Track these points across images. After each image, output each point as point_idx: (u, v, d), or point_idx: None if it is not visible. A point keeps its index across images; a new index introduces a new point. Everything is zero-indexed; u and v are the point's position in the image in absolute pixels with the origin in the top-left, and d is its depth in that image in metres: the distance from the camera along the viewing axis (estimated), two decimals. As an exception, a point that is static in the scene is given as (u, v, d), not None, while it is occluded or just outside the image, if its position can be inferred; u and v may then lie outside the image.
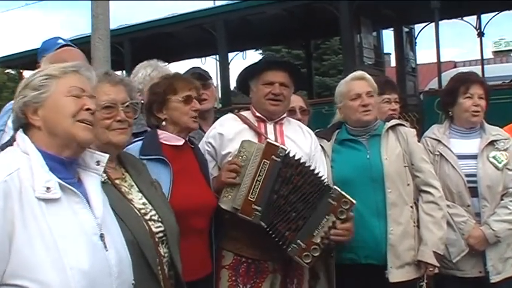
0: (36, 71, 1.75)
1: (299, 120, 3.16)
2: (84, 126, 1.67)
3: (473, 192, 3.03)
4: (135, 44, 8.40)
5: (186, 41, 8.68)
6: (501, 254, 3.03)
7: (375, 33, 8.02)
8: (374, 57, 7.69)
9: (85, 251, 1.57)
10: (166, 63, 3.97)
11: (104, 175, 1.94)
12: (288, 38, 10.22)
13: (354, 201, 2.54)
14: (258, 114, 2.80)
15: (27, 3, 24.72)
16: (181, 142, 2.52)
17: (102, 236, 1.64)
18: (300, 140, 2.81)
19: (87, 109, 1.68)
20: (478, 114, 3.14)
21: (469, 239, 3.00)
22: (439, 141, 3.15)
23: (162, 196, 2.23)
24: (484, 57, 8.95)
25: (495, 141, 3.12)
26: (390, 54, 12.09)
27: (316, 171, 2.62)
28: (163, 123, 2.52)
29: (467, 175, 3.04)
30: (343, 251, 2.78)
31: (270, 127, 2.79)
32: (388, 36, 8.59)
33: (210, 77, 3.66)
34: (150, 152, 2.41)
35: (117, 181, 2.07)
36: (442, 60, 7.12)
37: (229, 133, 2.73)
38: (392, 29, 8.34)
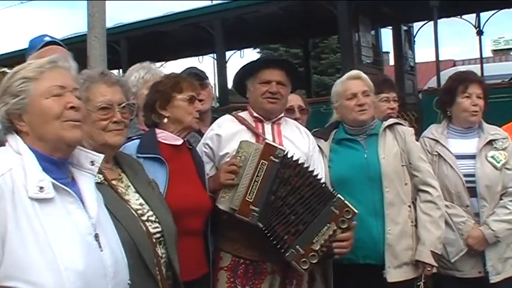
0: (12, 72, 1.70)
1: (298, 119, 3.16)
2: (71, 126, 1.65)
3: (472, 192, 3.03)
4: (131, 43, 8.38)
5: (183, 40, 8.67)
6: (501, 254, 3.02)
7: (373, 32, 8.00)
8: (372, 56, 7.67)
9: (80, 251, 1.55)
10: (160, 65, 3.95)
11: (100, 176, 1.93)
12: (286, 36, 10.20)
13: (356, 211, 2.53)
14: (255, 114, 2.79)
15: (22, 2, 24.51)
16: (179, 142, 2.52)
17: (96, 236, 1.62)
18: (297, 140, 2.80)
19: (71, 107, 1.65)
20: (477, 113, 3.13)
21: (468, 239, 2.99)
22: (437, 141, 3.15)
23: (159, 196, 2.21)
24: (483, 55, 8.92)
25: (493, 140, 3.11)
26: (389, 52, 12.11)
27: (315, 173, 2.60)
28: (165, 120, 2.51)
29: (465, 175, 3.03)
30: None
31: (267, 127, 2.78)
32: (386, 35, 8.59)
33: (207, 77, 3.65)
34: (147, 151, 2.40)
35: (113, 182, 2.05)
36: (441, 58, 7.11)
37: (226, 134, 2.72)
38: (390, 27, 8.32)
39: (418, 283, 2.85)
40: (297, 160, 2.58)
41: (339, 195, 2.54)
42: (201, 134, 2.92)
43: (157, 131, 2.51)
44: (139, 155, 2.36)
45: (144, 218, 2.03)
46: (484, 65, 8.46)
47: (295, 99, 3.25)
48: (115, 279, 1.64)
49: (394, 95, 3.63)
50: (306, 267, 2.49)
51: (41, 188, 1.54)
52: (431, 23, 6.76)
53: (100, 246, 1.62)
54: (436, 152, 3.11)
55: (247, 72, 2.83)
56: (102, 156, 1.79)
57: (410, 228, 2.86)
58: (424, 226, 2.84)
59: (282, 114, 2.86)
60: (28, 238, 1.50)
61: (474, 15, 7.83)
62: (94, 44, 6.24)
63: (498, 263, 3.00)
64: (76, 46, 5.61)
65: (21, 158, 1.59)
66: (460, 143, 3.15)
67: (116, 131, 2.07)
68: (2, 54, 10.75)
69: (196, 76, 3.35)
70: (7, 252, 1.48)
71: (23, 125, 1.64)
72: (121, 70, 8.41)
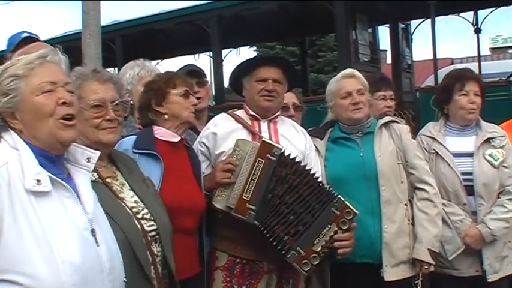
0: (1, 70, 1.68)
1: (292, 116, 3.16)
2: (65, 126, 1.63)
3: (470, 190, 3.02)
4: (126, 41, 8.33)
5: (179, 38, 8.63)
6: (498, 253, 3.01)
7: (370, 30, 7.98)
8: (369, 54, 7.65)
9: (76, 245, 1.54)
10: (156, 63, 3.92)
11: (95, 174, 1.92)
12: (282, 34, 10.17)
13: (357, 212, 2.52)
14: (251, 112, 2.78)
15: (7, 2, 24.22)
16: (177, 139, 2.51)
17: (93, 231, 1.61)
18: (294, 139, 2.79)
19: (63, 103, 1.63)
20: (474, 111, 3.12)
21: (466, 237, 2.98)
22: (435, 139, 3.14)
23: (155, 194, 2.20)
24: (481, 53, 8.93)
25: (491, 138, 3.10)
26: (386, 50, 12.10)
27: (312, 172, 2.59)
28: (165, 116, 2.49)
29: (463, 173, 3.03)
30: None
31: (263, 125, 2.77)
32: (384, 33, 8.56)
33: (205, 75, 3.63)
34: (143, 146, 2.39)
35: (108, 180, 2.04)
36: (438, 56, 7.11)
37: (222, 132, 2.71)
38: (388, 25, 8.30)
39: (416, 282, 2.84)
40: (294, 158, 2.57)
41: (339, 196, 2.53)
42: (198, 133, 2.91)
43: (155, 127, 2.50)
44: (136, 151, 2.36)
45: (139, 216, 2.01)
46: (482, 63, 8.43)
47: (289, 97, 3.23)
48: (111, 275, 1.63)
49: (391, 93, 3.63)
50: (307, 269, 2.48)
51: (38, 181, 1.53)
52: (429, 20, 6.74)
53: (96, 242, 1.61)
54: (434, 150, 3.10)
55: (244, 70, 2.82)
56: (98, 153, 1.79)
57: (407, 226, 2.86)
58: (421, 224, 2.84)
59: (278, 113, 2.85)
60: (25, 231, 1.49)
61: (472, 13, 7.83)
62: (89, 42, 6.19)
63: (495, 261, 3.00)
64: (70, 44, 5.59)
65: (18, 153, 1.58)
66: (458, 141, 3.14)
67: (109, 129, 2.05)
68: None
69: (196, 73, 3.33)
70: (3, 245, 1.47)
71: (16, 122, 1.63)
72: (116, 68, 8.37)
